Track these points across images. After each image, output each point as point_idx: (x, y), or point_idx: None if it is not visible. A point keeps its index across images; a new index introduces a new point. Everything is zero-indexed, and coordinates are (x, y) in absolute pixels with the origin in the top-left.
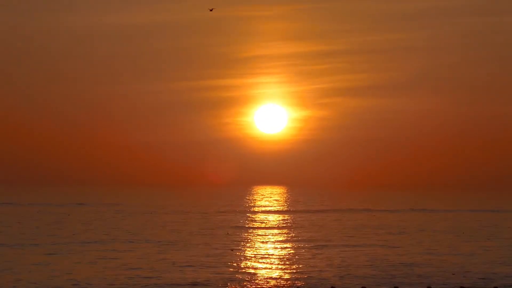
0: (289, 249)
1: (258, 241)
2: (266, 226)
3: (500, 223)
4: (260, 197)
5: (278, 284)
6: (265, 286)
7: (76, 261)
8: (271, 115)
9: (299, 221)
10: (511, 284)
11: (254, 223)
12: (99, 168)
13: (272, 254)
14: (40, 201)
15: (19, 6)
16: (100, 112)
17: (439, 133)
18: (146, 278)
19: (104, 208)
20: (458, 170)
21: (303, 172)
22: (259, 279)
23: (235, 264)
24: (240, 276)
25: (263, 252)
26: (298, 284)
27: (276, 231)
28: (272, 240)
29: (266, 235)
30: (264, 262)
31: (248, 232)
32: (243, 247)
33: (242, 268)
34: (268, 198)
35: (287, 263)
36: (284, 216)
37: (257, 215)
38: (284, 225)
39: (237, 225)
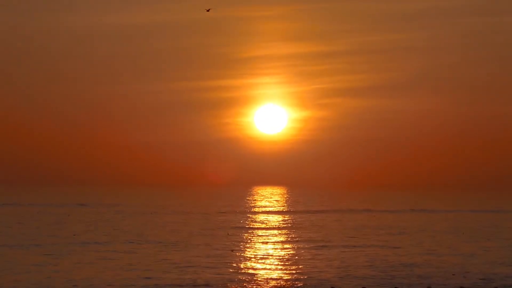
0: (289, 250)
1: (258, 242)
2: (266, 226)
3: (500, 223)
4: (260, 197)
5: (278, 284)
6: (265, 287)
7: (76, 261)
8: (271, 115)
9: (299, 221)
10: (511, 284)
11: (254, 224)
12: (99, 168)
13: (272, 255)
14: (40, 202)
15: (19, 6)
16: (100, 112)
17: (439, 133)
18: (146, 279)
19: (104, 208)
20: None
21: (303, 173)
22: (259, 279)
23: (235, 265)
24: (240, 276)
25: (263, 252)
26: (298, 285)
27: (276, 231)
28: (272, 240)
29: (266, 235)
30: (264, 263)
31: (248, 232)
32: (243, 248)
33: (242, 269)
34: (268, 199)
35: (287, 263)
36: (284, 217)
37: (257, 216)
38: (284, 225)
39: (237, 226)
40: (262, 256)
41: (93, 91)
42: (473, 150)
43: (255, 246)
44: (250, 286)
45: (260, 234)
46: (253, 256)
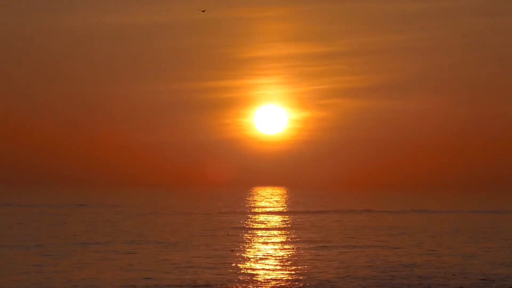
0: (289, 250)
1: (258, 242)
2: (266, 227)
3: (500, 224)
4: (260, 198)
5: (278, 285)
6: (265, 287)
7: (76, 262)
8: (271, 116)
9: (299, 222)
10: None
11: (254, 224)
12: (99, 168)
13: (272, 255)
14: (40, 202)
15: (19, 6)
16: (100, 112)
17: (439, 133)
18: (146, 279)
19: (104, 209)
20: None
21: (303, 173)
22: (259, 280)
23: (235, 265)
24: (240, 277)
25: (263, 253)
26: (298, 285)
27: (276, 232)
28: (272, 241)
29: (266, 236)
30: (264, 263)
31: (248, 233)
32: (244, 248)
33: (242, 269)
34: (268, 199)
35: (287, 264)
36: (284, 217)
37: (257, 216)
38: (284, 226)
39: (237, 226)
40: (262, 257)
41: (93, 91)
42: (473, 150)
43: (255, 246)
44: (250, 286)
45: (260, 234)
46: (253, 256)
